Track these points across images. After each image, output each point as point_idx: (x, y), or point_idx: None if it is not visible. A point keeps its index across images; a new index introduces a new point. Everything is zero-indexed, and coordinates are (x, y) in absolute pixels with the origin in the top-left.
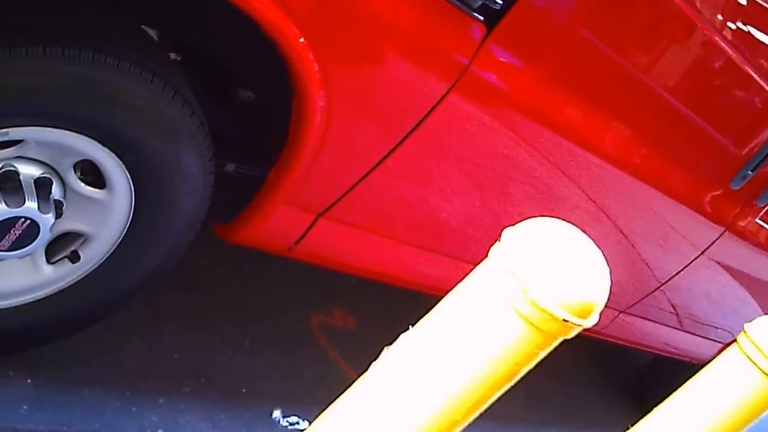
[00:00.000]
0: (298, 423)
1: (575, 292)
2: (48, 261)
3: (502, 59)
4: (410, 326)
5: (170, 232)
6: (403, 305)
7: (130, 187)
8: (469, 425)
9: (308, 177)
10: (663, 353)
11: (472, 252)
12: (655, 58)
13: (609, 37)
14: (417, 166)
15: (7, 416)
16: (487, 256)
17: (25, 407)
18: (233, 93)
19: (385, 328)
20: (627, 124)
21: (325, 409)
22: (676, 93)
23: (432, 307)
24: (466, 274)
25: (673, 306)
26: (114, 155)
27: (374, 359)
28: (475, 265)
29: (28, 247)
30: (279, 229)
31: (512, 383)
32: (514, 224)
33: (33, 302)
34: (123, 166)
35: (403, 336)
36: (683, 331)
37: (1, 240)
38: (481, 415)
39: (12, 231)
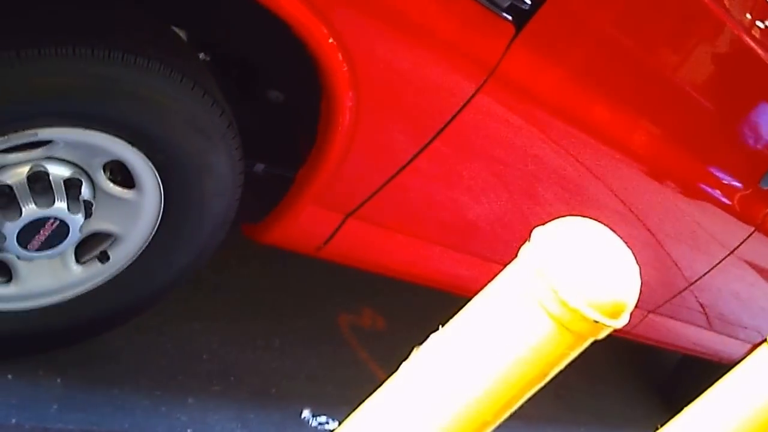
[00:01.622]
0: (327, 423)
1: (606, 292)
2: (77, 261)
3: (530, 59)
4: (440, 326)
5: (199, 232)
6: (431, 305)
7: (160, 188)
8: (499, 423)
9: (337, 177)
10: (692, 353)
11: (500, 252)
12: (684, 57)
13: (637, 37)
14: (445, 166)
15: (38, 415)
16: (516, 256)
17: (55, 407)
18: (262, 93)
19: (414, 328)
20: (655, 124)
21: (354, 409)
22: (704, 92)
23: (461, 307)
24: (495, 275)
25: (701, 306)
26: (143, 155)
27: (403, 359)
28: (504, 265)
29: (57, 248)
30: (308, 229)
31: (542, 384)
32: (542, 224)
33: (63, 302)
34: (152, 166)
35: (432, 336)
36: (712, 330)
37: (31, 240)
38: (510, 414)
39: (41, 231)
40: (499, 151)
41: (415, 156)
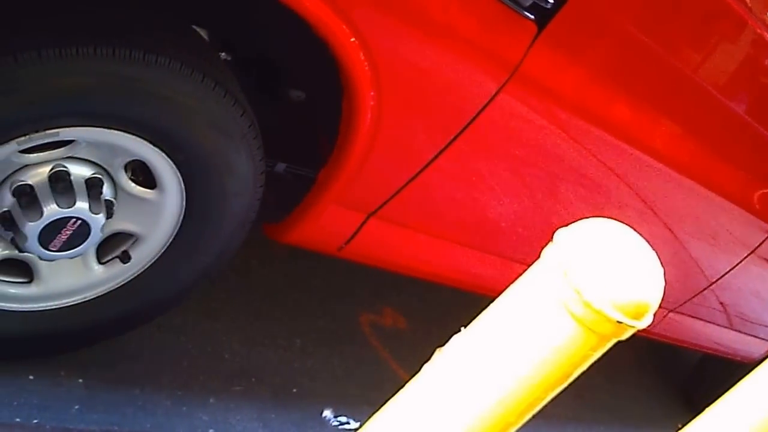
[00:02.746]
0: (348, 423)
1: (629, 293)
2: (99, 261)
3: (552, 58)
4: (462, 327)
5: (221, 232)
6: (453, 304)
7: (181, 187)
8: (522, 425)
9: (358, 177)
10: (713, 352)
11: (522, 252)
12: (705, 56)
13: (659, 35)
14: (467, 165)
15: (59, 416)
16: (538, 256)
17: (77, 407)
18: (284, 93)
19: (436, 327)
20: (677, 123)
21: (375, 409)
22: (726, 91)
23: (483, 307)
24: (518, 275)
25: (722, 305)
26: (165, 155)
27: (425, 359)
28: (527, 265)
29: (79, 248)
30: (329, 229)
31: (566, 384)
32: (564, 224)
33: (84, 302)
34: (174, 166)
35: (455, 337)
36: (733, 329)
37: (53, 240)
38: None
39: (63, 231)
40: (521, 151)
41: (437, 155)
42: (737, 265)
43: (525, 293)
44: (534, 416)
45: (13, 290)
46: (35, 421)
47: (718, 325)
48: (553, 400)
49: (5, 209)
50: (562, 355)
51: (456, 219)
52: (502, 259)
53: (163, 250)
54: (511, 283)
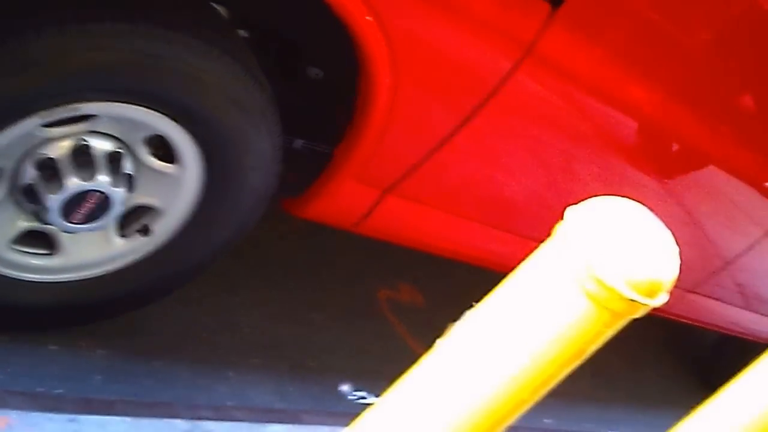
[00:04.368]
0: (365, 397)
1: (643, 271)
2: (120, 234)
3: (567, 37)
4: (474, 303)
5: (240, 207)
6: (470, 280)
7: (200, 162)
8: (536, 402)
9: (375, 153)
10: (729, 332)
11: (537, 229)
12: (723, 35)
13: (674, 14)
14: (483, 143)
15: (81, 386)
16: (552, 233)
17: (98, 377)
18: (302, 70)
19: (452, 303)
20: (693, 104)
21: (392, 384)
22: (742, 72)
23: (498, 283)
24: (532, 252)
25: (738, 285)
26: (185, 131)
27: (441, 335)
28: (541, 243)
29: (100, 221)
30: (346, 205)
31: (580, 362)
32: (579, 202)
33: (105, 275)
34: (193, 141)
35: (468, 313)
36: (749, 310)
37: (75, 213)
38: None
39: (85, 204)
40: (536, 129)
41: (453, 133)
42: (754, 245)
43: (538, 270)
44: (549, 394)
45: (35, 261)
46: (57, 390)
47: (734, 305)
48: (568, 378)
49: (29, 182)
50: (575, 332)
51: (471, 196)
52: (517, 237)
53: (182, 224)
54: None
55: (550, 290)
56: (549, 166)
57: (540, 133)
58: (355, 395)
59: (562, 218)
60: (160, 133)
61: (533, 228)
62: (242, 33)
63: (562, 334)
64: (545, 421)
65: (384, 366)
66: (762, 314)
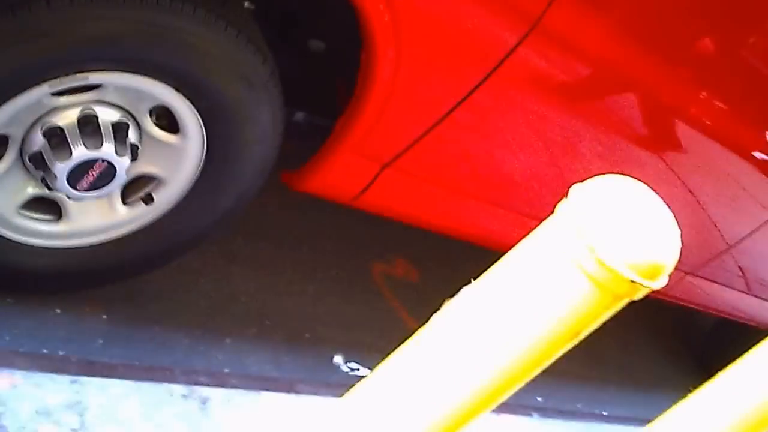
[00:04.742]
0: (358, 369)
1: (644, 252)
2: (123, 202)
3: (573, 12)
4: (472, 279)
5: (240, 178)
6: (466, 257)
7: (203, 133)
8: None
9: (375, 127)
10: (729, 316)
11: (537, 208)
12: (732, 10)
13: None
14: (485, 118)
15: (83, 348)
16: (552, 212)
17: (100, 341)
18: (304, 42)
19: (447, 279)
20: (700, 81)
21: (385, 357)
22: (752, 49)
23: (496, 261)
24: (531, 231)
25: (741, 269)
26: (188, 101)
27: (435, 310)
28: (541, 222)
29: (105, 188)
30: (345, 179)
31: (575, 342)
32: (581, 181)
33: (109, 241)
34: (196, 112)
35: (464, 289)
36: (750, 294)
37: (80, 181)
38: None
39: (90, 172)
40: (539, 105)
41: (454, 108)
42: (757, 229)
43: (537, 249)
44: (544, 374)
45: (42, 227)
46: (61, 352)
47: (735, 289)
48: (564, 357)
49: (36, 150)
50: (573, 313)
51: (471, 172)
52: (517, 215)
53: (184, 194)
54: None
55: (550, 269)
56: (551, 143)
57: (543, 109)
58: (348, 367)
59: (563, 197)
60: (164, 104)
61: (533, 206)
62: (247, 5)
63: (559, 314)
64: (537, 399)
65: (377, 339)
66: (762, 299)
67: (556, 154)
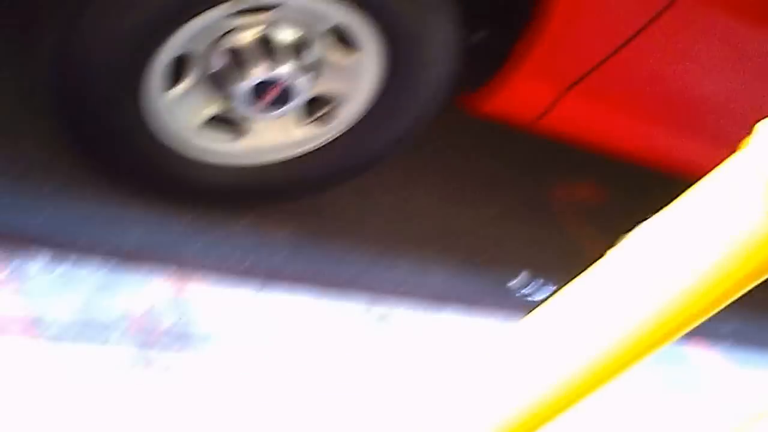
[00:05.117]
0: (533, 294)
1: None
2: (301, 123)
3: None
4: (651, 215)
5: (418, 99)
6: (655, 183)
7: (381, 53)
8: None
9: (557, 48)
10: None
11: (728, 136)
12: None
13: None
14: (674, 38)
15: (268, 260)
16: (744, 140)
17: (282, 254)
18: None
19: (635, 204)
20: None
21: (560, 286)
22: None
23: (685, 187)
24: (721, 159)
25: None
26: (366, 21)
27: (618, 239)
28: (731, 151)
29: (283, 108)
30: (524, 102)
31: (758, 282)
32: None
33: (288, 160)
34: (374, 31)
35: (642, 225)
36: None
37: (259, 101)
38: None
39: (268, 92)
40: (733, 24)
41: (643, 28)
42: None
43: (725, 182)
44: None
45: (221, 146)
46: (247, 263)
47: None
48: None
49: (217, 69)
50: (756, 251)
51: (658, 96)
52: (706, 143)
53: (361, 115)
54: (714, 168)
55: (733, 206)
56: (746, 66)
57: (739, 27)
58: (521, 293)
59: (755, 124)
60: (341, 24)
61: (724, 134)
62: None
63: (741, 253)
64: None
65: (554, 266)
66: None
67: (751, 79)
